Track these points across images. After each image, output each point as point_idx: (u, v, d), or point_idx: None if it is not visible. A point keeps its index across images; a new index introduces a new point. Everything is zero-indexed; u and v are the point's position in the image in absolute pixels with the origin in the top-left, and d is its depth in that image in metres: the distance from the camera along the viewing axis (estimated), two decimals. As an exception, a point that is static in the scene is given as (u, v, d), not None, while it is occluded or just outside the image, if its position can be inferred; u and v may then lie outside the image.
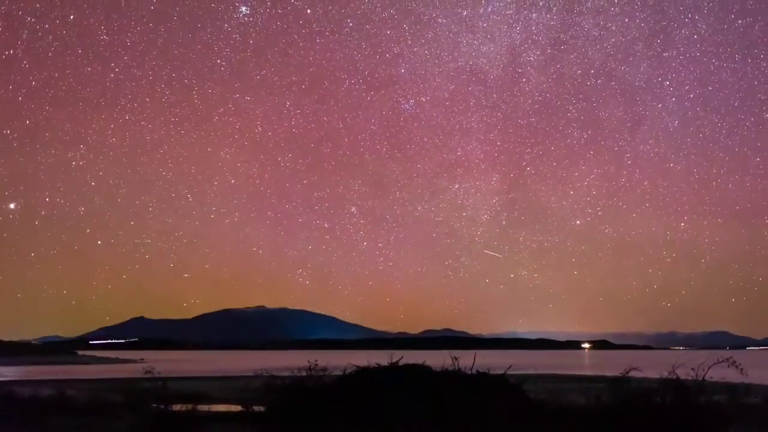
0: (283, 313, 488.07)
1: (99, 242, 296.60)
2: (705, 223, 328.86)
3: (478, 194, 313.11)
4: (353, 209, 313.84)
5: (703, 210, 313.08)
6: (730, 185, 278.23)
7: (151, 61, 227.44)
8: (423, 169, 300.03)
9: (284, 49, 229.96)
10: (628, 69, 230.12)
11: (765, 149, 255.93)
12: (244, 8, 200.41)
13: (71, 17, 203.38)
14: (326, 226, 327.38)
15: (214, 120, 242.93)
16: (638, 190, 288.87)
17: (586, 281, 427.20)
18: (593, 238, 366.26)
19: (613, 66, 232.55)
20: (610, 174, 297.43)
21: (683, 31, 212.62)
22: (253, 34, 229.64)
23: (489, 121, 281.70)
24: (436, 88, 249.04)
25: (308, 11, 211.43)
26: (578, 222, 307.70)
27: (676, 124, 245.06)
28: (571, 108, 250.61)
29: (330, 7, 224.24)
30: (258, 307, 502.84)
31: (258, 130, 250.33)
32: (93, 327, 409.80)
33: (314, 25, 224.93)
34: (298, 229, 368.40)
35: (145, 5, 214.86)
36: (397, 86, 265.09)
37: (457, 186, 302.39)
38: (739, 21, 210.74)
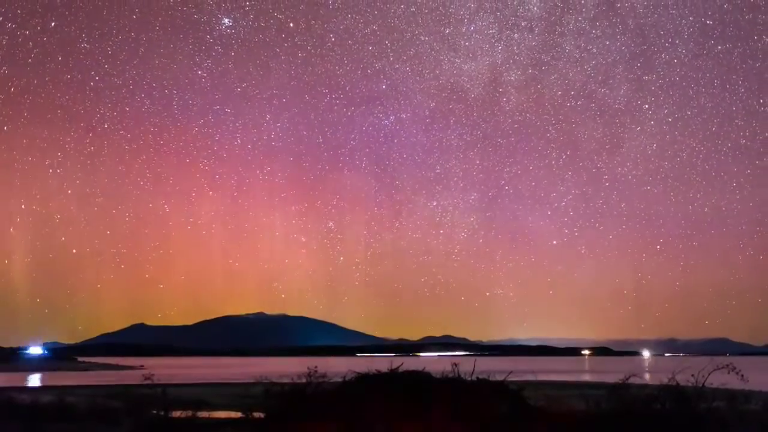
0: (284, 319, 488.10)
1: (74, 251, 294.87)
2: (680, 246, 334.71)
3: (456, 212, 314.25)
4: (331, 224, 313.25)
5: (678, 233, 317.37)
6: (706, 209, 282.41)
7: (132, 70, 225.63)
8: (401, 185, 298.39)
9: (266, 62, 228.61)
10: (608, 91, 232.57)
11: (741, 175, 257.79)
12: (226, 20, 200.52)
13: (52, 24, 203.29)
14: (303, 240, 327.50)
15: (194, 131, 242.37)
16: (615, 212, 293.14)
17: (562, 301, 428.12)
18: (569, 258, 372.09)
19: (593, 88, 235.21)
20: (587, 195, 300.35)
21: (663, 55, 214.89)
22: (235, 46, 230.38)
23: (469, 139, 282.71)
24: (416, 105, 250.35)
25: (291, 25, 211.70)
26: (555, 242, 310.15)
27: (654, 148, 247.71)
28: (550, 128, 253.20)
29: (313, 22, 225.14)
30: (257, 313, 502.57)
31: (237, 142, 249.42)
32: (93, 333, 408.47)
33: (296, 39, 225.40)
34: (275, 243, 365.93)
35: (126, 14, 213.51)
36: (377, 102, 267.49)
37: (435, 203, 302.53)
38: (719, 47, 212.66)
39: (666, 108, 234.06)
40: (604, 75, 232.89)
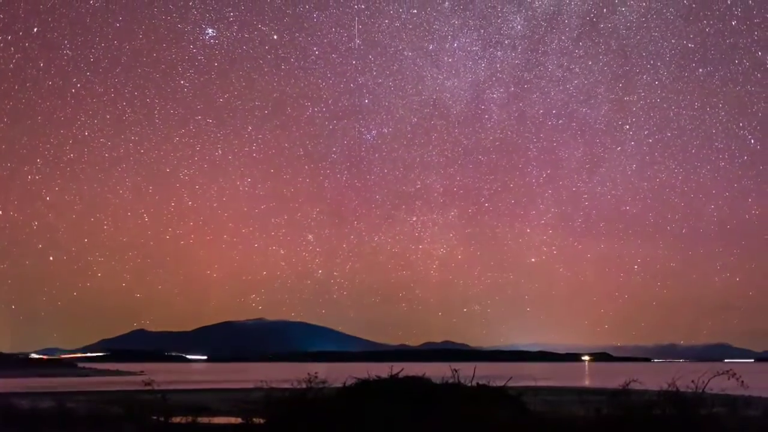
0: (284, 325, 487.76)
1: (51, 258, 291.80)
2: (658, 266, 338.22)
3: (436, 228, 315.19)
4: (310, 237, 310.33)
5: (656, 254, 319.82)
6: (684, 230, 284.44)
7: (114, 78, 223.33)
8: (382, 200, 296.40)
9: (248, 74, 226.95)
10: (589, 111, 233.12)
11: (720, 197, 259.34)
12: (210, 30, 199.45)
13: (35, 30, 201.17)
14: (282, 252, 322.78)
15: (175, 141, 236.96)
16: (594, 231, 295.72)
17: (539, 318, 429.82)
18: (547, 276, 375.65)
19: (575, 107, 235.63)
20: (566, 214, 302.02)
21: (645, 76, 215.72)
22: (218, 57, 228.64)
23: (450, 155, 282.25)
24: (398, 120, 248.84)
25: (275, 37, 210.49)
26: (533, 260, 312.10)
27: (633, 168, 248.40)
28: (531, 147, 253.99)
29: (297, 34, 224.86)
30: (258, 319, 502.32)
31: (218, 153, 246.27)
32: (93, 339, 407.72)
33: (280, 51, 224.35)
34: (254, 254, 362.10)
35: (110, 22, 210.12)
36: (360, 116, 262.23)
37: (414, 218, 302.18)
38: (700, 70, 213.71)
39: (646, 129, 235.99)
40: (586, 95, 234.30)
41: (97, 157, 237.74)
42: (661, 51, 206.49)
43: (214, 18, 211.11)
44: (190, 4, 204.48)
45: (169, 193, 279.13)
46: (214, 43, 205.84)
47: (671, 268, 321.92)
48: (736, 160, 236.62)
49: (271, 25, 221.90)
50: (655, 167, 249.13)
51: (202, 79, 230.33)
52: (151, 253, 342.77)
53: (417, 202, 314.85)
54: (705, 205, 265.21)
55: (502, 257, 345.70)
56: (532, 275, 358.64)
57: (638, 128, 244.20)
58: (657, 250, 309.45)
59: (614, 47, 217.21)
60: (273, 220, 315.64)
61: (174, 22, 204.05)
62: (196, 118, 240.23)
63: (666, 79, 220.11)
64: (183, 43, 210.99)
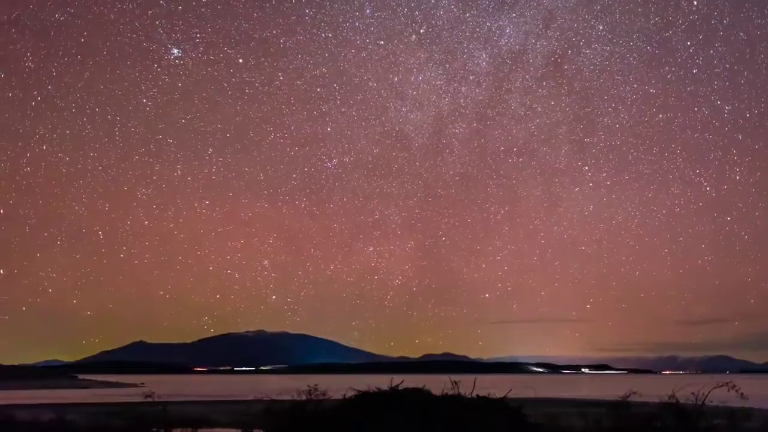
0: (284, 337, 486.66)
1: (1, 271, 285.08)
2: (610, 307, 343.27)
3: (392, 259, 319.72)
4: (265, 262, 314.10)
5: (609, 295, 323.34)
6: (637, 273, 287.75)
7: (76, 93, 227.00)
8: (339, 229, 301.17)
9: (212, 96, 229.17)
10: (549, 150, 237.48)
11: (674, 242, 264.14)
12: (176, 50, 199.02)
13: None
14: (236, 276, 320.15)
15: (134, 159, 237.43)
16: (548, 270, 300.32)
17: (490, 354, 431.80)
18: (500, 312, 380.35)
19: (536, 146, 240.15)
20: (523, 251, 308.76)
21: (606, 119, 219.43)
22: (183, 77, 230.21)
23: (409, 187, 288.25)
24: (360, 150, 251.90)
25: (240, 60, 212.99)
26: (487, 295, 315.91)
27: (591, 209, 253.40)
28: (491, 183, 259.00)
29: (262, 59, 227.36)
30: (258, 331, 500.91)
31: (177, 173, 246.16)
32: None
33: (245, 75, 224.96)
34: (208, 277, 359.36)
35: (75, 37, 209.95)
36: (321, 144, 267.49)
37: (371, 249, 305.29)
38: (660, 115, 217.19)
39: (605, 171, 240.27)
40: (547, 134, 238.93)
41: (54, 172, 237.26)
42: (623, 95, 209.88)
43: (180, 38, 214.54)
44: (157, 23, 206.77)
45: (126, 212, 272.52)
46: (179, 63, 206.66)
47: (622, 309, 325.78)
48: (692, 206, 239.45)
49: (237, 48, 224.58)
50: (612, 209, 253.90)
51: (164, 98, 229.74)
52: (103, 271, 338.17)
53: (375, 233, 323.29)
54: (659, 249, 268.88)
55: (456, 291, 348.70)
56: (485, 310, 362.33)
57: (597, 170, 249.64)
58: (610, 291, 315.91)
59: (577, 89, 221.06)
60: (229, 244, 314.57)
61: (139, 40, 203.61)
62: (157, 137, 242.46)
63: (626, 123, 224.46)
64: (147, 62, 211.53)
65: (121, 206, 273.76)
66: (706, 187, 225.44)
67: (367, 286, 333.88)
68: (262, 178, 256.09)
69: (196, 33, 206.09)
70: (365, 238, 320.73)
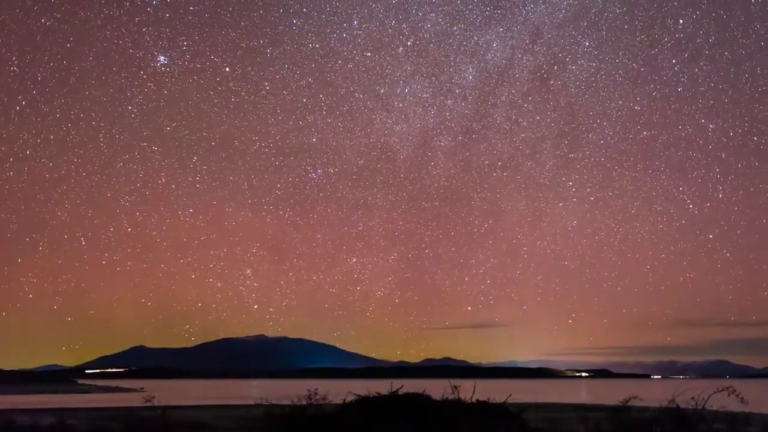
0: (284, 342, 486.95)
1: None
2: (592, 323, 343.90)
3: (375, 270, 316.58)
4: (248, 271, 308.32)
5: (591, 310, 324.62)
6: (619, 289, 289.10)
7: (61, 98, 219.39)
8: (323, 239, 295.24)
9: (198, 104, 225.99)
10: (534, 165, 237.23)
11: (656, 258, 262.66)
12: (162, 58, 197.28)
13: None
14: (219, 285, 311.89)
15: (118, 166, 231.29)
16: (531, 284, 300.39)
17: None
18: (482, 325, 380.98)
19: (521, 161, 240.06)
20: (506, 265, 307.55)
21: (591, 135, 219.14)
22: (168, 85, 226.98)
23: (394, 199, 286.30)
24: (345, 161, 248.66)
25: (227, 69, 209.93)
26: (469, 308, 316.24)
27: (574, 224, 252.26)
28: (475, 196, 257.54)
29: (249, 68, 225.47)
30: (258, 336, 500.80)
31: (161, 181, 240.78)
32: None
33: (231, 84, 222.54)
34: (190, 285, 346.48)
35: (61, 42, 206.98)
36: (306, 154, 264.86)
37: (354, 260, 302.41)
38: (645, 132, 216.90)
39: (589, 187, 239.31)
40: (532, 149, 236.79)
41: (37, 177, 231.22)
42: (608, 111, 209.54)
43: (166, 45, 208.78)
44: (144, 30, 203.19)
45: (109, 218, 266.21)
46: (165, 70, 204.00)
47: (604, 324, 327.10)
48: (674, 224, 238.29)
49: (224, 56, 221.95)
50: (595, 225, 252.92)
51: (150, 105, 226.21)
52: (85, 277, 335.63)
53: (358, 244, 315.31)
54: (641, 265, 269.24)
55: (439, 304, 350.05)
56: (467, 323, 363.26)
57: (581, 185, 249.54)
58: (592, 307, 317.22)
59: (562, 104, 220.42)
60: (212, 252, 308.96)
61: (126, 46, 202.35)
62: (142, 144, 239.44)
63: (611, 139, 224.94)
64: (133, 69, 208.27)
65: (104, 212, 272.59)
66: (689, 204, 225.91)
67: (349, 297, 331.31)
68: (246, 187, 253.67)
69: (183, 41, 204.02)
70: (348, 249, 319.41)
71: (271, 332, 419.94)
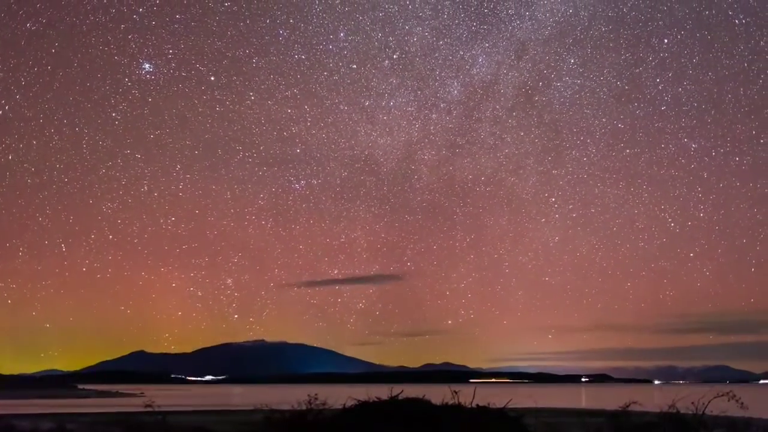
0: (284, 347, 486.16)
1: None
2: (572, 338, 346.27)
3: (357, 282, 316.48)
4: (229, 281, 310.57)
5: (571, 325, 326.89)
6: (599, 305, 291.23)
7: (44, 104, 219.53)
8: (305, 250, 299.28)
9: (182, 112, 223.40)
10: (517, 181, 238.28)
11: (637, 276, 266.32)
12: (147, 65, 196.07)
13: None
14: (199, 294, 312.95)
15: (100, 173, 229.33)
16: (512, 299, 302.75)
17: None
18: (462, 339, 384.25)
19: (504, 176, 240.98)
20: (487, 280, 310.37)
21: (574, 152, 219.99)
22: (153, 93, 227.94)
23: (377, 212, 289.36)
24: (328, 173, 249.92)
25: (212, 78, 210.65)
26: (450, 322, 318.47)
27: (556, 240, 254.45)
28: (458, 211, 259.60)
29: (234, 78, 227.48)
30: (257, 341, 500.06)
31: (144, 189, 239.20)
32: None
33: (216, 93, 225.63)
34: (170, 294, 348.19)
35: (46, 47, 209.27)
36: (290, 165, 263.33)
37: (336, 271, 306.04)
38: (627, 150, 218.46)
39: (571, 203, 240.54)
40: (515, 165, 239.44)
41: (18, 182, 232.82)
42: (592, 128, 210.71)
43: (152, 53, 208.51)
44: (129, 36, 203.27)
45: (90, 225, 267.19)
46: (150, 78, 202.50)
47: (584, 339, 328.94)
48: (655, 242, 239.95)
49: (209, 65, 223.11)
50: (577, 241, 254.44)
51: (134, 113, 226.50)
52: (65, 283, 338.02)
53: (340, 256, 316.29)
54: (622, 282, 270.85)
55: (420, 317, 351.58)
56: (447, 337, 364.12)
57: (563, 202, 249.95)
58: (572, 322, 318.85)
59: (547, 120, 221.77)
60: (193, 261, 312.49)
61: (111, 53, 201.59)
62: (125, 152, 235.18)
63: (594, 156, 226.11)
64: (118, 75, 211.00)
65: (85, 219, 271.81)
66: (670, 222, 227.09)
67: (330, 308, 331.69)
68: (229, 196, 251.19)
69: (169, 49, 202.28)
70: (330, 261, 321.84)
71: (242, 339, 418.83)
